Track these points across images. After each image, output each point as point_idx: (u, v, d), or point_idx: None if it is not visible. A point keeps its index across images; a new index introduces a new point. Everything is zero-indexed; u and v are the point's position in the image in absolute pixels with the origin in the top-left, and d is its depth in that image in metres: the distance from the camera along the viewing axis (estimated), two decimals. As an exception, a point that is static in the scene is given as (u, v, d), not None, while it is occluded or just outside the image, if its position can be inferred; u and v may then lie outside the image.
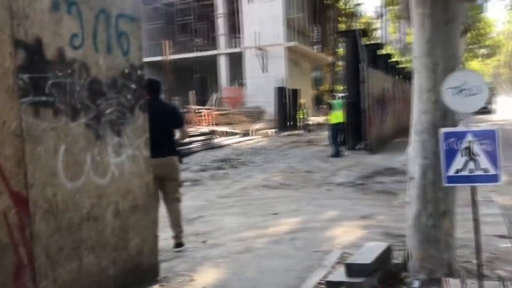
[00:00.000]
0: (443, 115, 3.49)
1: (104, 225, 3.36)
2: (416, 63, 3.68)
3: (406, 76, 24.37)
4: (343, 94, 14.49)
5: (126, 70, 3.65)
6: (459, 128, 3.12)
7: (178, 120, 5.04)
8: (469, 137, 3.02)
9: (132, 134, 3.69)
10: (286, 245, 4.98)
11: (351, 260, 3.82)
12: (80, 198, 3.17)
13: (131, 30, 3.71)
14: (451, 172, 3.08)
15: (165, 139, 4.72)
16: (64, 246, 3.01)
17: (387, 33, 44.69)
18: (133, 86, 3.72)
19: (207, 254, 4.77)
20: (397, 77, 20.29)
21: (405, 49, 46.41)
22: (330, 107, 13.46)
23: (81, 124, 3.19)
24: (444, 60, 3.53)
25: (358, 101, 13.72)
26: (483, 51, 58.98)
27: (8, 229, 2.64)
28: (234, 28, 34.98)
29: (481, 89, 3.06)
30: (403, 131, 19.94)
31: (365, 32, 16.43)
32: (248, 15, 32.27)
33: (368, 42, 16.58)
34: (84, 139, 3.22)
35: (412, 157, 3.73)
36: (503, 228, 5.58)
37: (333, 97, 15.08)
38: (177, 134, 5.01)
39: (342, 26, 35.90)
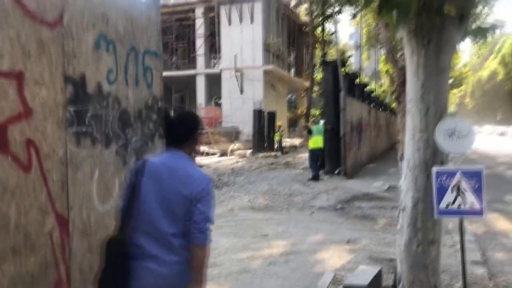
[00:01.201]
0: (433, 153, 3.93)
1: (126, 245, 3.62)
2: (410, 105, 4.13)
3: (379, 104, 25.37)
4: (323, 121, 15.02)
5: (150, 102, 3.97)
6: (450, 168, 3.57)
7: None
8: (458, 176, 3.47)
9: (152, 161, 3.98)
10: (281, 267, 5.31)
11: (349, 281, 4.19)
12: (109, 220, 3.44)
13: (154, 65, 4.04)
14: (442, 206, 3.50)
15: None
16: (94, 264, 3.27)
17: (361, 61, 46.11)
18: (155, 116, 4.04)
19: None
20: (371, 105, 21.11)
21: (377, 76, 47.87)
22: (310, 132, 13.96)
23: (112, 151, 3.48)
24: (435, 105, 3.99)
25: (337, 128, 14.29)
26: (449, 81, 61.35)
27: (52, 248, 2.89)
28: (213, 49, 35.55)
29: (469, 133, 3.52)
30: (376, 156, 20.73)
31: (344, 62, 17.14)
32: (227, 37, 32.90)
33: (346, 71, 17.27)
34: (114, 165, 3.50)
35: (404, 189, 4.16)
36: (477, 255, 6.08)
37: (315, 123, 15.61)
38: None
39: (318, 53, 36.96)
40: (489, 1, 3.60)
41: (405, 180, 4.14)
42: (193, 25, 35.14)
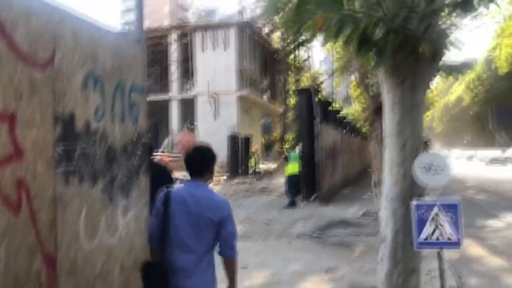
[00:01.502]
0: (411, 186, 4.09)
1: (112, 282, 3.60)
2: (387, 140, 4.30)
3: (351, 129, 25.87)
4: (299, 147, 15.24)
5: (135, 137, 4.01)
6: (428, 201, 3.72)
7: (168, 180, 5.37)
8: (436, 208, 3.62)
9: (136, 196, 4.00)
10: (265, 298, 5.33)
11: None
12: (94, 258, 3.42)
13: (139, 100, 4.10)
14: (421, 238, 3.64)
15: (152, 196, 5.02)
16: (80, 303, 3.24)
17: (333, 87, 47.14)
18: (139, 151, 4.07)
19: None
20: (344, 130, 21.52)
21: (348, 101, 48.84)
22: (287, 159, 14.12)
23: (98, 189, 3.49)
24: (412, 139, 4.18)
25: (312, 154, 14.50)
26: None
27: (39, 288, 2.87)
28: (187, 74, 35.71)
29: (445, 167, 3.70)
30: (350, 181, 21.03)
31: (318, 90, 17.53)
32: (202, 62, 33.18)
33: (319, 98, 17.64)
34: (100, 202, 3.51)
35: (384, 221, 4.29)
36: (453, 281, 6.25)
37: (291, 149, 15.84)
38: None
39: (291, 78, 37.60)
40: (460, 43, 3.83)
41: (384, 212, 4.27)
42: (167, 50, 35.30)
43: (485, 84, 58.07)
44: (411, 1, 3.81)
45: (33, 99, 2.85)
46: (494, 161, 40.71)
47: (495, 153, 44.20)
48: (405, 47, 3.89)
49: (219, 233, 2.91)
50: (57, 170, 3.04)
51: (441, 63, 4.22)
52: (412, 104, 4.19)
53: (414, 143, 4.16)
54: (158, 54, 37.16)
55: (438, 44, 3.90)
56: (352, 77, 35.54)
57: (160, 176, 5.25)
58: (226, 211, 2.94)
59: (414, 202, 3.70)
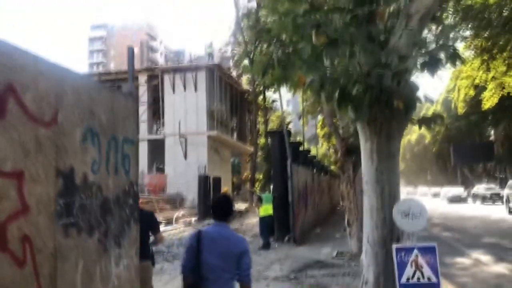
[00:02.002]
0: (390, 231, 4.35)
1: (104, 332, 3.64)
2: (366, 187, 4.58)
3: (321, 168, 26.37)
4: (271, 189, 15.44)
5: (127, 188, 4.13)
6: (407, 245, 3.97)
7: (155, 225, 5.47)
8: (415, 252, 3.86)
9: (128, 245, 4.09)
10: None
11: None
12: (90, 309, 3.47)
13: (131, 152, 4.25)
14: (403, 280, 3.86)
15: (141, 243, 5.09)
16: None
17: (303, 128, 48.18)
18: (131, 201, 4.19)
19: None
20: (314, 170, 21.93)
21: (316, 140, 49.77)
22: (260, 200, 14.27)
23: (95, 239, 3.57)
24: (389, 186, 4.47)
25: (285, 195, 14.71)
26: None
27: None
28: (156, 116, 35.78)
29: (422, 213, 3.97)
30: (321, 220, 21.27)
31: (290, 132, 17.95)
32: (171, 103, 33.42)
33: (291, 140, 18.04)
34: (96, 253, 3.59)
35: (366, 264, 4.50)
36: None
37: (263, 191, 16.00)
38: (152, 238, 5.40)
39: (261, 119, 38.22)
40: (429, 98, 4.20)
41: (366, 256, 4.49)
42: (136, 91, 35.41)
43: (445, 123, 60.57)
44: (384, 59, 4.17)
45: (38, 156, 2.98)
46: (455, 198, 42.24)
47: (457, 190, 45.74)
48: (381, 101, 4.23)
49: (239, 263, 3.66)
50: (58, 223, 3.14)
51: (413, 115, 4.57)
52: (388, 153, 4.50)
53: (391, 189, 4.45)
54: (127, 95, 37.18)
55: (410, 99, 4.26)
56: (319, 116, 36.51)
57: (147, 221, 5.34)
58: (245, 246, 3.77)
59: (394, 246, 3.94)
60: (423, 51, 4.19)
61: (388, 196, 4.38)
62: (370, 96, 4.09)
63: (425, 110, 73.61)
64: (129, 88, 4.50)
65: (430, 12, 4.21)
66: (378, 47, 4.25)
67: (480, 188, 39.56)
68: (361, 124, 4.50)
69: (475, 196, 39.27)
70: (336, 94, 3.95)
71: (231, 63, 41.87)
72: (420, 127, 4.77)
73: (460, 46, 24.08)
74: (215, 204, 4.07)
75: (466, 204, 39.83)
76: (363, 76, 4.01)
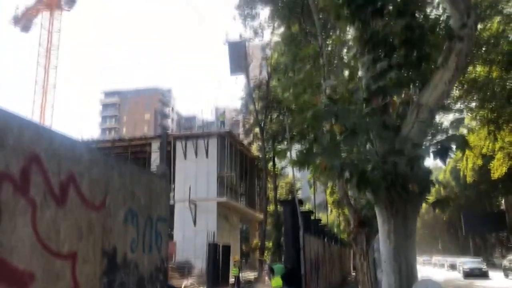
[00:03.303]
0: (409, 309, 4.49)
1: None
2: (385, 265, 4.77)
3: (331, 237, 26.18)
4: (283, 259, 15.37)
5: (159, 264, 4.38)
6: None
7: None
8: (435, 332, 3.99)
9: (157, 321, 4.27)
10: None
11: None
12: None
13: (163, 230, 4.54)
14: None
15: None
16: None
17: (307, 191, 48.23)
18: (161, 276, 4.42)
19: None
20: (325, 239, 21.81)
21: (325, 207, 49.57)
22: (272, 271, 14.18)
23: (130, 316, 3.78)
24: (406, 264, 4.66)
25: (298, 266, 14.62)
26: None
27: None
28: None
29: (439, 294, 4.13)
30: (332, 292, 20.84)
31: (301, 201, 18.12)
32: (182, 170, 33.89)
33: (303, 209, 18.16)
34: (131, 329, 3.78)
35: None
36: None
37: (274, 261, 15.92)
38: None
39: (270, 185, 38.44)
40: (440, 182, 4.50)
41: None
42: (149, 157, 36.05)
43: (454, 192, 60.24)
44: (398, 146, 4.53)
45: (89, 238, 3.28)
46: (473, 271, 35.57)
47: (475, 261, 39.06)
48: (397, 185, 4.53)
49: None
50: (101, 301, 3.37)
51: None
52: (405, 233, 4.74)
53: (408, 268, 4.64)
54: (139, 161, 37.91)
55: (425, 182, 4.57)
56: (328, 184, 36.65)
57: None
58: None
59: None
60: (434, 141, 4.56)
61: (405, 274, 4.56)
62: (386, 181, 4.40)
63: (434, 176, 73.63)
64: (162, 169, 4.87)
65: (439, 103, 4.62)
66: (392, 134, 4.63)
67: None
68: (379, 207, 4.78)
69: (507, 269, 32.99)
70: (355, 179, 4.27)
71: (240, 129, 42.86)
72: (434, 210, 5.02)
73: (466, 116, 24.72)
74: (287, 272, 4.70)
75: (489, 280, 33.06)
76: (380, 163, 4.35)
